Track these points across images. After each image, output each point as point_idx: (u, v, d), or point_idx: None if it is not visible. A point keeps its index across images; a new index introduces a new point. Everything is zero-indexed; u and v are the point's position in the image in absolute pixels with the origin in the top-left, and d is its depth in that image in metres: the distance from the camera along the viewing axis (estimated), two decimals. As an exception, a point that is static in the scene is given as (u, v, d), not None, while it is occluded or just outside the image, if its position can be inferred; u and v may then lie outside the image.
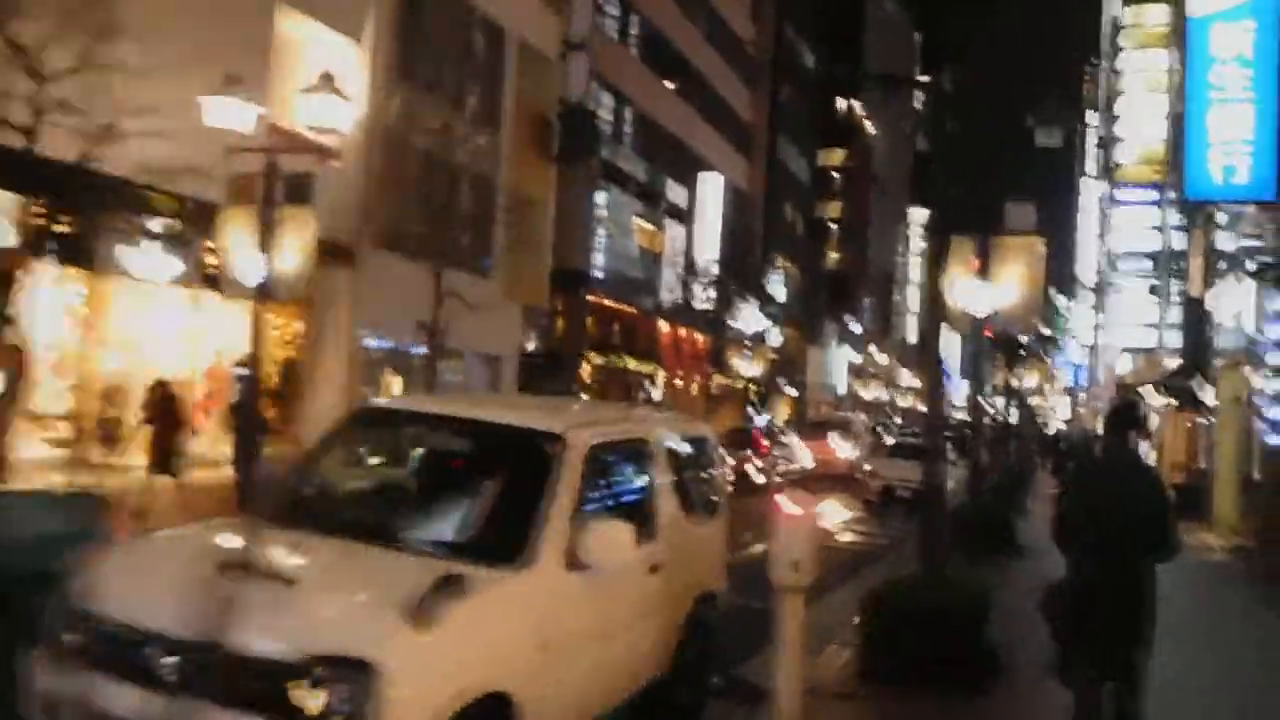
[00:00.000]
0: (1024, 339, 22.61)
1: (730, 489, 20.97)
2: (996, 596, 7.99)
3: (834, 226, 53.54)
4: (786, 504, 5.51)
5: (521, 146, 25.32)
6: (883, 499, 21.09)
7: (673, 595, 5.67)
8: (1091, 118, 47.04)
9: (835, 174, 52.50)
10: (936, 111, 9.07)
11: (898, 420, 48.68)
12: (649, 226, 33.74)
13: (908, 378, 58.31)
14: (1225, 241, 20.95)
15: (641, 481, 5.64)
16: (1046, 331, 34.73)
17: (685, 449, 6.29)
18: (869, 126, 52.62)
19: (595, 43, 28.28)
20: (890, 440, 28.03)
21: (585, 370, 28.07)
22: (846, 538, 17.60)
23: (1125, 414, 5.53)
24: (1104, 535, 4.91)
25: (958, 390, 45.89)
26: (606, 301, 30.01)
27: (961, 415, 35.10)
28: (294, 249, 9.35)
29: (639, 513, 5.45)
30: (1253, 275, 15.71)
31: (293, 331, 19.69)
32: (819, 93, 50.94)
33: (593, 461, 5.01)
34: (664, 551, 5.52)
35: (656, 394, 32.89)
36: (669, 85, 35.62)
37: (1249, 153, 14.93)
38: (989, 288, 14.53)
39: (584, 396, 28.64)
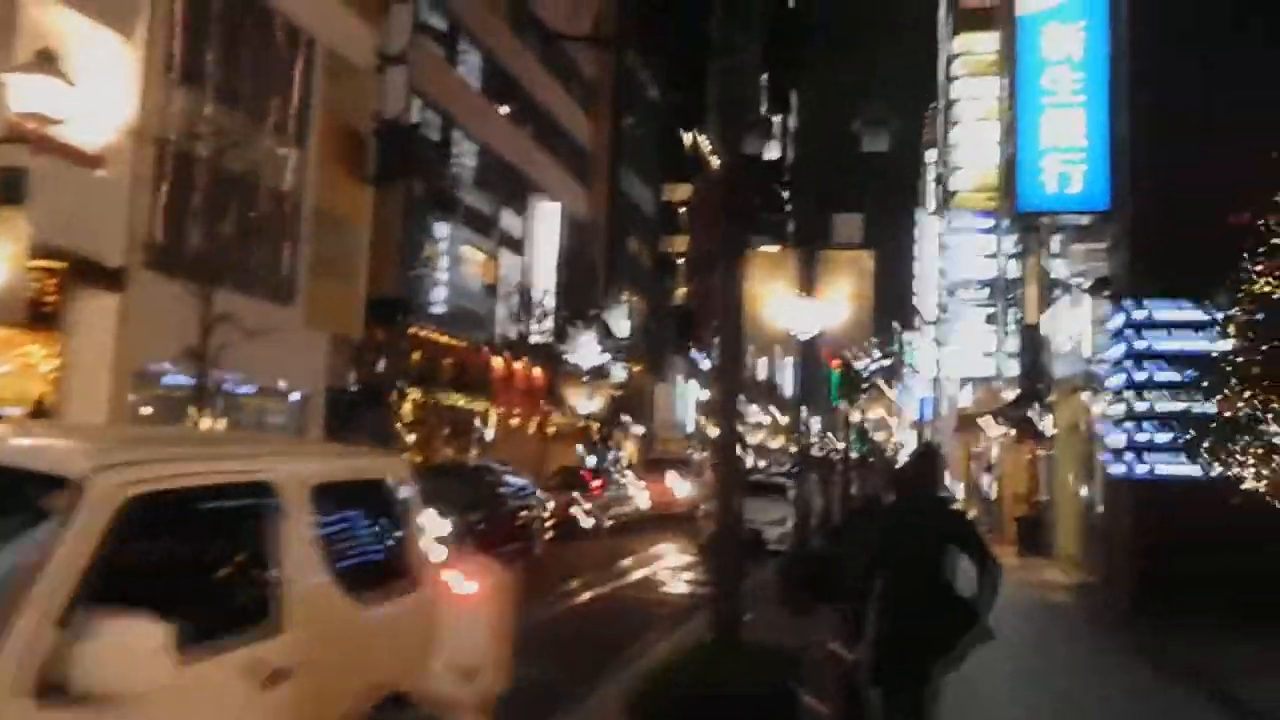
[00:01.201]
0: (862, 367, 21.64)
1: (549, 533, 19.23)
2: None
3: (681, 260, 52.63)
4: (459, 578, 3.75)
5: (332, 163, 23.20)
6: (718, 541, 19.60)
7: (317, 711, 3.84)
8: (930, 157, 47.47)
9: (681, 207, 51.74)
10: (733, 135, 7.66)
11: (748, 457, 47.78)
12: (481, 255, 31.85)
13: (757, 413, 57.76)
14: (1059, 269, 20.45)
15: (250, 547, 3.75)
16: (887, 363, 34.33)
17: (348, 497, 4.43)
18: (715, 160, 52.12)
19: (418, 59, 26.42)
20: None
21: (406, 408, 25.86)
22: (676, 588, 16.04)
23: (924, 458, 5.96)
24: (913, 558, 5.23)
25: (812, 425, 45.28)
26: (434, 334, 27.92)
27: (815, 450, 34.22)
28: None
29: (241, 594, 3.62)
30: (1089, 291, 14.91)
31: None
32: (663, 124, 50.17)
33: (137, 520, 3.14)
34: (296, 650, 3.68)
35: (489, 433, 30.84)
36: (502, 109, 33.97)
37: (1082, 160, 14.13)
38: (815, 305, 13.35)
39: (409, 437, 26.43)
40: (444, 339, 28.39)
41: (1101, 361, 15.15)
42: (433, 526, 15.07)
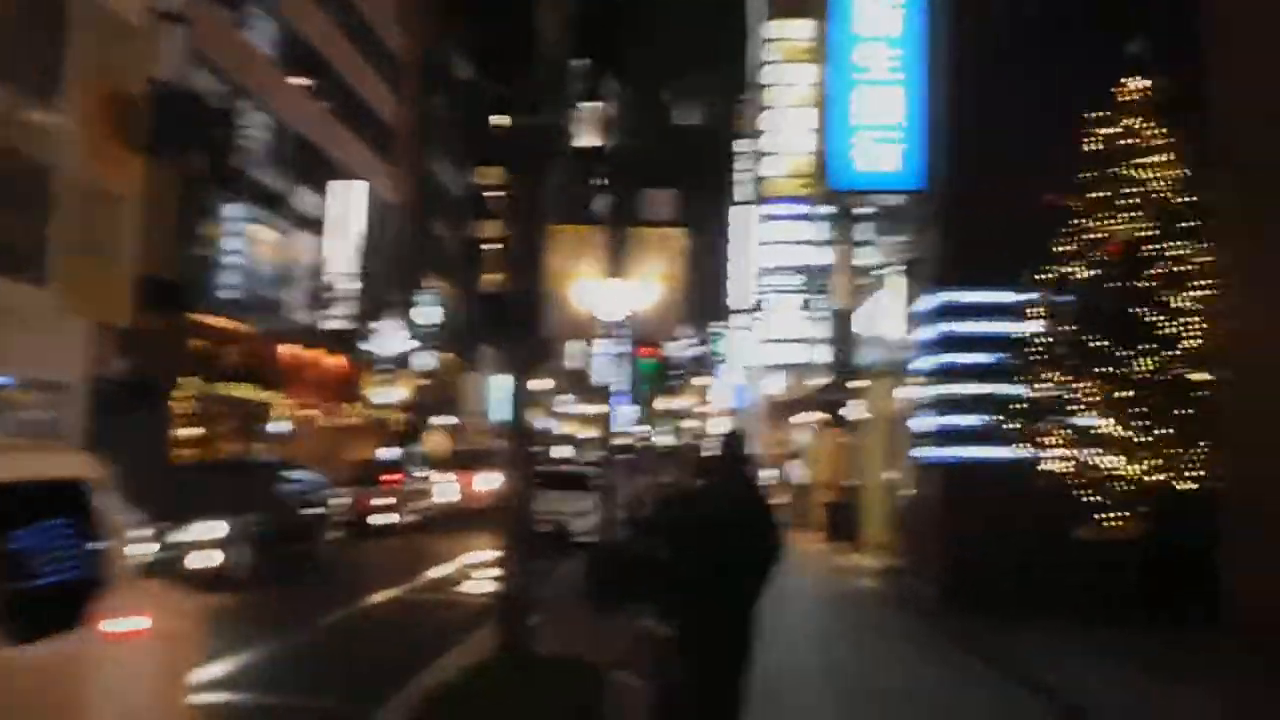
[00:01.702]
0: (674, 354, 21.00)
1: (338, 533, 17.69)
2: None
3: (495, 246, 51.08)
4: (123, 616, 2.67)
5: (97, 131, 20.80)
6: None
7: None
8: (742, 147, 47.62)
9: (493, 192, 50.26)
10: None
11: (564, 450, 46.82)
12: (273, 237, 29.64)
13: (571, 403, 57.00)
14: (869, 254, 20.38)
15: None
16: (701, 350, 33.99)
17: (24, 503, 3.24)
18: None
19: (202, 20, 24.18)
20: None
21: (183, 400, 23.64)
22: (474, 588, 14.93)
23: (731, 446, 5.81)
24: (715, 565, 5.14)
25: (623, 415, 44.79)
26: (218, 320, 25.70)
27: (630, 440, 33.60)
28: None
29: None
30: (901, 273, 14.68)
31: None
32: (474, 106, 48.57)
33: None
34: None
35: (282, 426, 28.77)
36: (300, 81, 31.77)
37: (897, 138, 13.80)
38: (624, 286, 12.53)
39: (187, 431, 24.22)
40: (229, 326, 26.21)
41: (912, 346, 14.95)
42: (202, 532, 13.55)
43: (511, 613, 6.02)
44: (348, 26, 35.19)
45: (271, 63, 29.70)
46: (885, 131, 13.78)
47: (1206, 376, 10.63)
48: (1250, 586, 5.76)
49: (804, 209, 27.52)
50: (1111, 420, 10.92)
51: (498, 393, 49.85)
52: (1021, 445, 11.70)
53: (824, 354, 25.25)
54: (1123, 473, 10.87)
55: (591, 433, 57.33)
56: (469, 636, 9.92)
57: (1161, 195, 11.25)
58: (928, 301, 13.50)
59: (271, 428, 28.11)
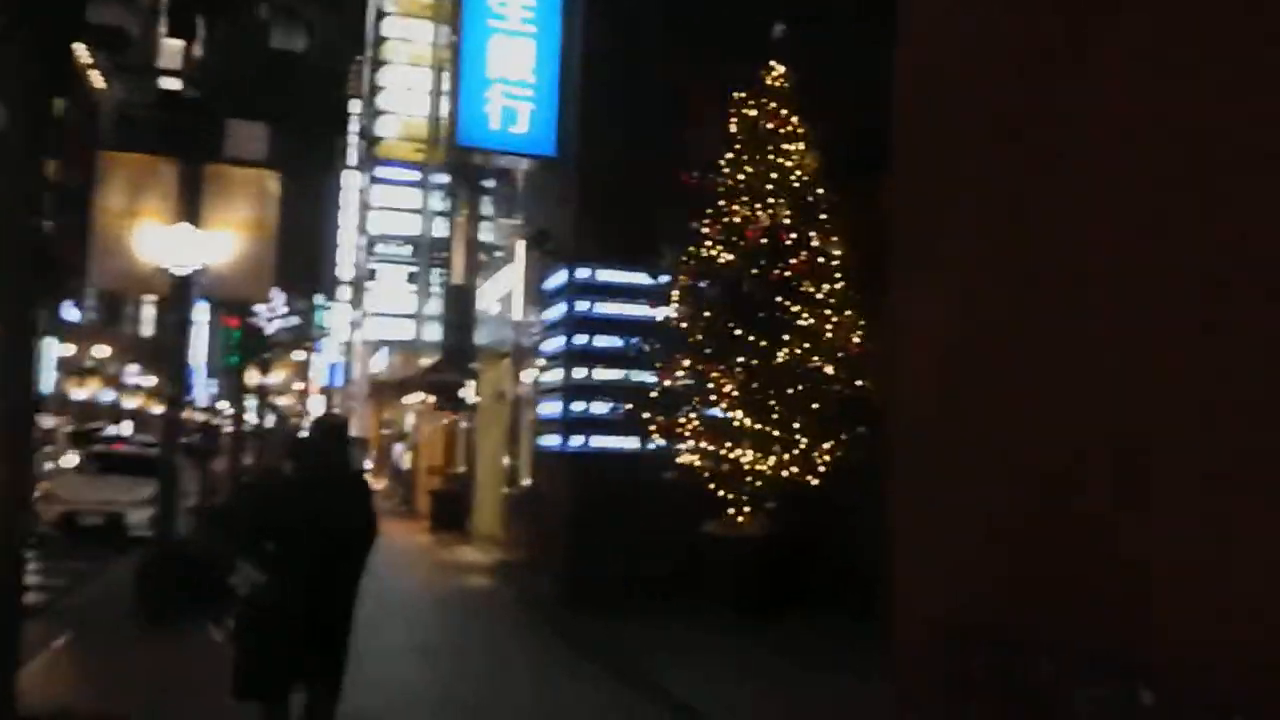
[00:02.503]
0: (266, 324, 18.54)
1: None
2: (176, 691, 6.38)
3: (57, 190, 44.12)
4: None
5: None
6: (64, 529, 15.43)
7: None
8: (355, 110, 44.64)
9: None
10: None
11: (117, 428, 41.22)
12: None
13: (137, 373, 50.84)
14: (493, 225, 19.17)
15: None
16: (296, 321, 31.08)
17: None
18: (99, 77, 44.38)
19: None
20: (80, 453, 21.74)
21: None
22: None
23: (327, 428, 5.51)
24: (307, 545, 4.83)
25: (202, 389, 40.34)
26: None
27: (209, 419, 29.99)
28: None
29: None
30: (529, 246, 13.55)
31: None
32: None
33: None
34: None
35: None
36: None
37: (530, 98, 12.59)
38: (200, 234, 10.29)
39: None
40: None
41: (537, 325, 13.89)
42: None
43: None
44: None
45: None
46: (519, 89, 12.55)
47: (840, 372, 10.50)
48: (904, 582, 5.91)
49: (419, 176, 25.75)
50: (745, 413, 10.44)
51: (45, 361, 43.16)
52: (654, 436, 10.98)
53: (436, 332, 23.74)
54: (755, 467, 10.43)
55: (166, 409, 51.17)
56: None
57: (801, 183, 10.95)
58: (559, 279, 12.46)
59: None
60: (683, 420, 10.90)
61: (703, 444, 10.62)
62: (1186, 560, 4.16)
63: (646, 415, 11.00)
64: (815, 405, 10.39)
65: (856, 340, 10.59)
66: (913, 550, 6.45)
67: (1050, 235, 5.19)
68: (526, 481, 14.67)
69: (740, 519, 10.84)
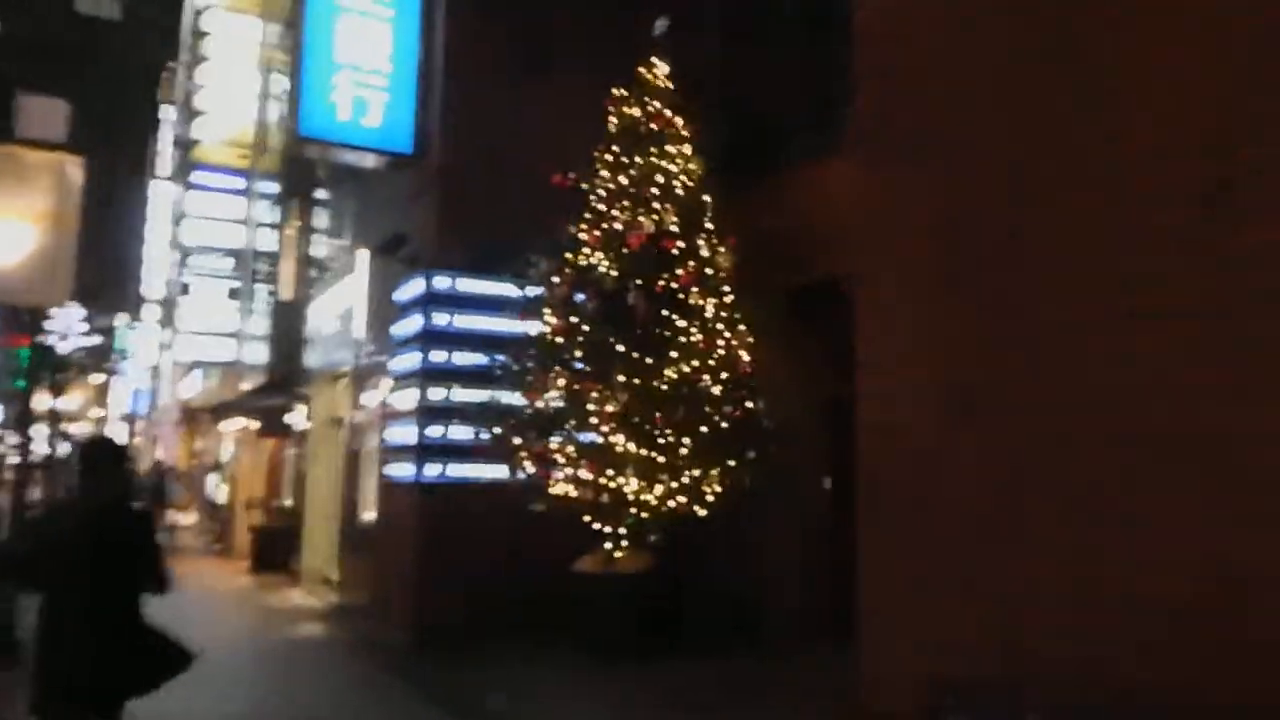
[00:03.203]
0: (59, 342, 16.36)
1: None
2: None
3: None
4: None
5: None
6: None
7: None
8: (169, 116, 41.50)
9: None
10: None
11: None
12: None
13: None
14: (328, 239, 17.61)
15: None
16: (97, 340, 28.15)
17: None
18: None
19: None
20: None
21: None
22: None
23: (99, 451, 5.11)
24: (79, 574, 4.63)
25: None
26: None
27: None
28: None
29: None
30: (382, 252, 12.19)
31: None
32: None
33: None
34: None
35: None
36: None
37: (385, 87, 11.31)
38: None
39: None
40: None
41: (385, 341, 12.56)
42: None
43: None
44: None
45: None
46: (372, 77, 11.27)
47: (729, 392, 9.69)
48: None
49: (243, 184, 23.77)
50: (628, 437, 9.46)
51: None
52: (522, 464, 9.87)
53: (261, 352, 21.78)
54: (640, 497, 9.45)
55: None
56: None
57: (687, 188, 10.14)
58: (414, 289, 11.21)
59: None
60: (556, 446, 9.84)
61: (580, 472, 9.58)
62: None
63: (514, 441, 9.89)
64: (703, 429, 9.53)
65: (747, 359, 9.81)
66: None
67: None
68: (369, 515, 13.22)
69: (618, 554, 9.84)
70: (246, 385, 22.36)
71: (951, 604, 5.72)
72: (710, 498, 9.58)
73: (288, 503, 19.09)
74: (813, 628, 10.59)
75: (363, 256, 14.16)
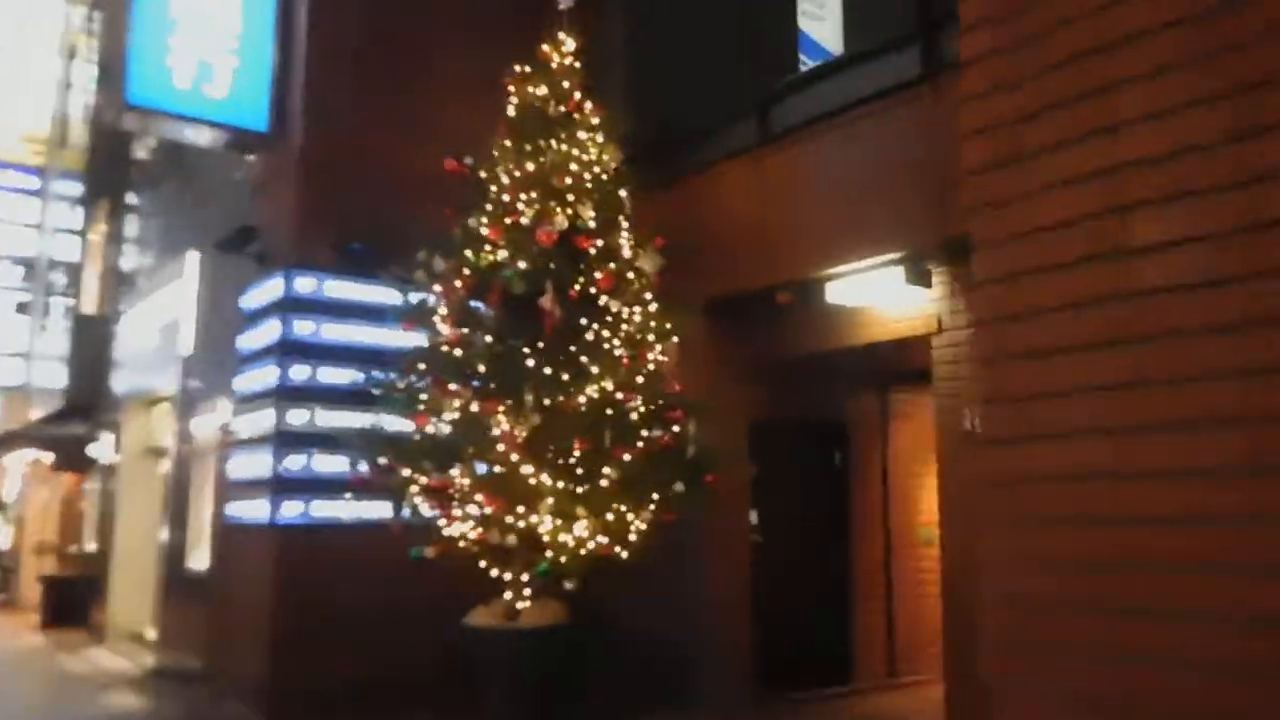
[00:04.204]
0: None
1: None
2: None
3: None
4: None
5: None
6: None
7: None
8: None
9: None
10: None
11: None
12: None
13: None
14: (142, 243, 15.38)
15: None
16: None
17: None
18: None
19: None
20: None
21: None
22: None
23: None
24: None
25: None
26: None
27: None
28: None
29: None
30: (224, 250, 10.26)
31: None
32: None
33: None
34: None
35: None
36: None
37: (234, 51, 9.50)
38: None
39: None
40: None
41: (223, 358, 10.68)
42: None
43: None
44: None
45: None
46: (217, 39, 9.45)
47: (654, 416, 8.39)
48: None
49: (38, 183, 20.91)
50: (540, 467, 8.01)
51: None
52: (413, 501, 8.25)
53: (55, 374, 19.01)
54: (556, 538, 7.99)
55: None
56: None
57: (600, 181, 8.83)
58: (268, 293, 9.44)
59: None
60: (445, 480, 8.27)
61: (484, 508, 8.04)
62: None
63: (395, 474, 8.27)
64: (626, 457, 8.18)
65: (674, 379, 8.56)
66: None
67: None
68: (201, 562, 11.20)
69: (521, 603, 8.35)
70: (38, 412, 19.47)
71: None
72: (633, 537, 8.23)
73: (90, 547, 16.50)
74: (748, 678, 9.41)
75: (192, 260, 12.20)
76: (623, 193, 8.85)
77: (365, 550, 8.75)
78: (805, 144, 8.79)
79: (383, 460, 8.23)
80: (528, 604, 8.38)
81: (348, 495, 8.76)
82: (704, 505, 8.55)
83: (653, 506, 8.17)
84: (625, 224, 8.78)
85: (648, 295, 8.64)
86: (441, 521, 8.07)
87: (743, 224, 9.23)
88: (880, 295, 8.43)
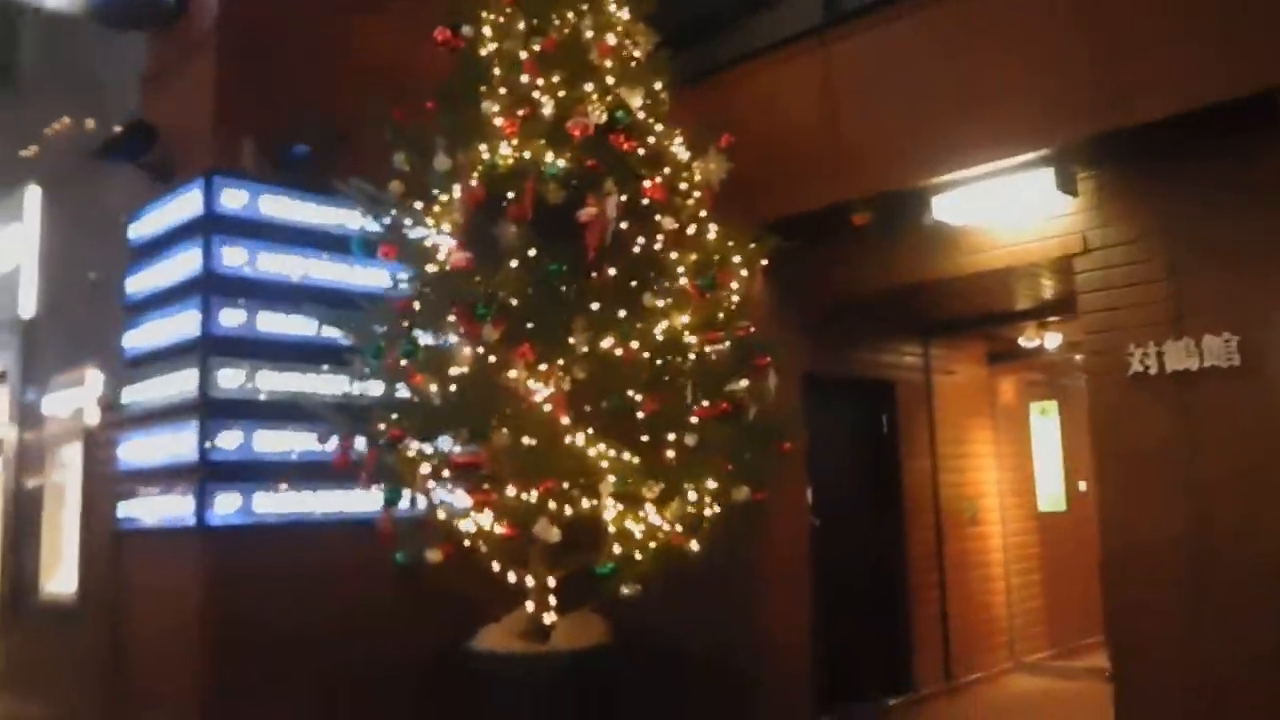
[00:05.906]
0: None
1: None
2: None
3: None
4: None
5: None
6: None
7: None
8: None
9: None
10: None
11: None
12: None
13: None
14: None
15: None
16: None
17: None
18: None
19: None
20: None
21: None
22: None
23: None
24: None
25: None
26: None
27: None
28: None
29: None
30: (100, 154, 7.56)
31: None
32: None
33: None
34: None
35: None
36: None
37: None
38: None
39: None
40: None
41: (84, 312, 8.11)
42: None
43: None
44: None
45: None
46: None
47: (735, 363, 6.44)
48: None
49: None
50: (599, 436, 5.95)
51: None
52: (385, 489, 6.03)
53: None
54: (619, 527, 5.94)
55: None
56: None
57: (638, 63, 6.80)
58: (175, 212, 6.96)
59: None
60: (439, 457, 6.11)
61: (522, 492, 5.90)
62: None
63: (372, 453, 6.03)
64: (695, 420, 6.19)
65: (744, 321, 6.63)
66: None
67: None
68: (62, 585, 8.48)
69: (548, 618, 6.31)
70: None
71: None
72: (705, 523, 6.28)
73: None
74: (807, 692, 7.65)
75: (32, 196, 9.44)
76: (658, 85, 6.87)
77: (333, 558, 6.48)
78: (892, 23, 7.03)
79: (358, 436, 5.98)
80: (555, 617, 6.37)
81: (311, 484, 6.47)
82: (772, 479, 6.69)
83: (720, 489, 6.23)
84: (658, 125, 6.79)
85: (702, 213, 6.70)
86: (471, 511, 5.92)
87: (802, 127, 7.39)
88: (1006, 209, 6.76)
